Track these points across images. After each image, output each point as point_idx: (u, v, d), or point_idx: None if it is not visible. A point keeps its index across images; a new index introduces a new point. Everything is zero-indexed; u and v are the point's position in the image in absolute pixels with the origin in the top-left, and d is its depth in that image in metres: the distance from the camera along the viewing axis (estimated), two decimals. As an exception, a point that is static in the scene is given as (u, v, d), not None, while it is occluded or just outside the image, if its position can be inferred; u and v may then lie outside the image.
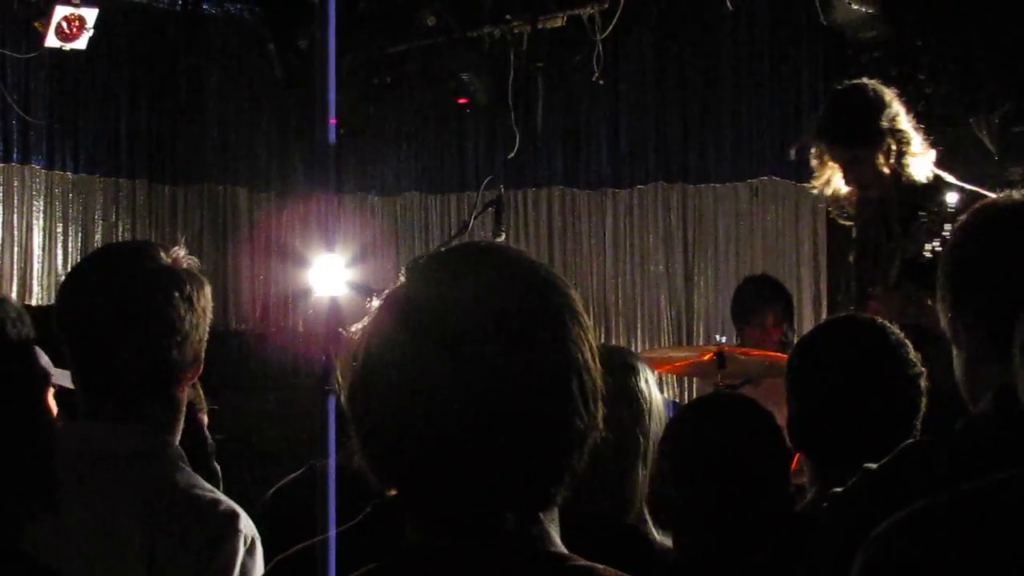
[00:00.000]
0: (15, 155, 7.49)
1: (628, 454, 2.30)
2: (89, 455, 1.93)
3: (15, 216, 7.48)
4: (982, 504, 1.19)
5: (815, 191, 3.95)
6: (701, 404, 2.60)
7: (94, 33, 6.65)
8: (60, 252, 7.65)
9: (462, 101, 7.47)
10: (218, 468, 3.61)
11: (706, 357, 4.68)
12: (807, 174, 3.99)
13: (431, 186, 8.43)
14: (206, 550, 1.87)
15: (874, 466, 1.67)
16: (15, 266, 7.43)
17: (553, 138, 7.89)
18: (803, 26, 6.80)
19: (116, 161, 7.96)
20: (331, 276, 5.67)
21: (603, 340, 7.27)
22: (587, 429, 1.25)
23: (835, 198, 3.91)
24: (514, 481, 1.23)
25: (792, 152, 4.13)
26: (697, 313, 7.52)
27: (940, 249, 3.33)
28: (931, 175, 3.71)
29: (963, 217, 1.70)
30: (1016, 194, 1.69)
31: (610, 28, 6.64)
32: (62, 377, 2.03)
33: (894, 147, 3.66)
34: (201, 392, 3.97)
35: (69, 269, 7.23)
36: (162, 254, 2.01)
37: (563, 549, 1.27)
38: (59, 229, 7.68)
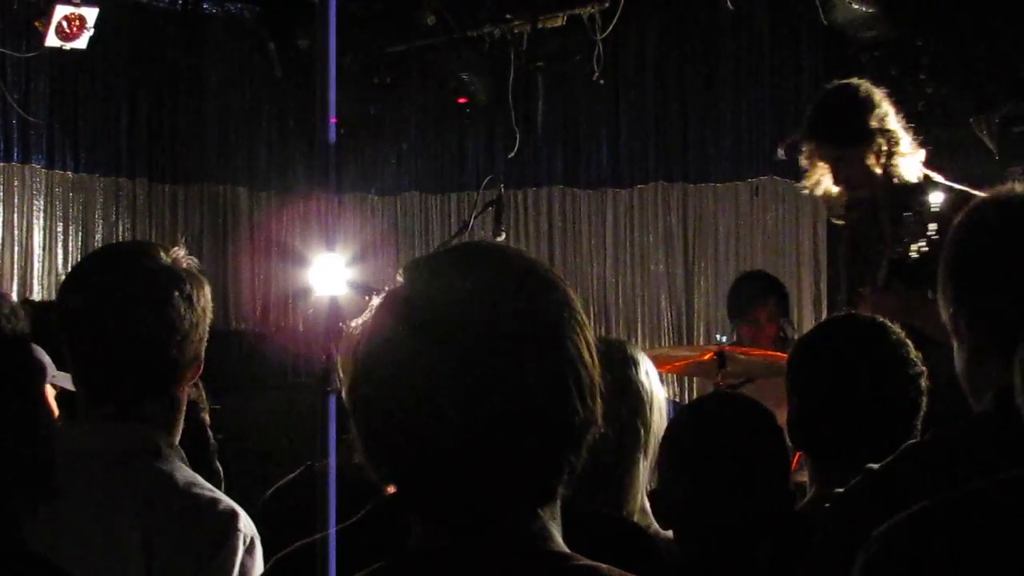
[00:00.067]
0: (15, 154, 7.49)
1: (629, 446, 2.30)
2: (89, 454, 1.93)
3: (15, 215, 7.48)
4: (983, 505, 1.19)
5: (805, 191, 3.94)
6: (701, 404, 2.61)
7: (94, 32, 6.65)
8: (60, 251, 7.64)
9: (462, 101, 7.47)
10: (220, 467, 3.61)
11: (706, 357, 4.68)
12: (800, 173, 3.99)
13: (431, 186, 8.42)
14: (205, 549, 1.87)
15: (876, 466, 1.67)
16: (15, 265, 7.42)
17: (553, 138, 7.88)
18: (803, 26, 6.80)
19: (116, 160, 7.96)
20: (331, 275, 5.66)
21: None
22: (585, 424, 1.26)
23: (827, 197, 3.91)
24: (513, 478, 1.23)
25: (781, 151, 4.12)
26: (697, 313, 7.52)
27: (926, 250, 3.34)
28: (920, 175, 3.70)
29: (964, 210, 1.68)
30: (1018, 186, 1.67)
31: (610, 28, 6.64)
32: (63, 379, 2.03)
33: (884, 147, 3.65)
34: (203, 391, 3.98)
35: (69, 268, 7.24)
36: (162, 254, 2.02)
37: (565, 548, 1.27)
38: (59, 228, 7.68)
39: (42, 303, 6.27)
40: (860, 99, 3.68)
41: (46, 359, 2.36)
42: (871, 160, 3.66)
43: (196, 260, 2.08)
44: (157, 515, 1.89)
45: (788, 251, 7.26)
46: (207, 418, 3.96)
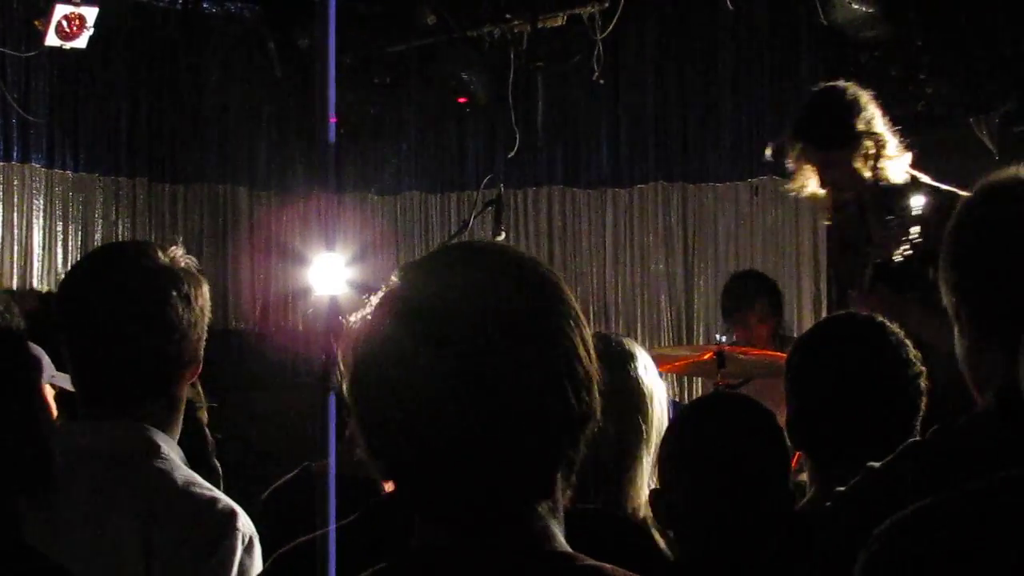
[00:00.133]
0: (15, 154, 7.49)
1: (631, 443, 2.30)
2: (88, 454, 1.93)
3: (15, 215, 7.48)
4: (985, 503, 1.19)
5: (792, 193, 3.94)
6: (701, 404, 2.60)
7: (94, 32, 6.65)
8: (60, 251, 7.65)
9: (462, 100, 7.46)
10: (218, 465, 3.62)
11: (706, 356, 4.68)
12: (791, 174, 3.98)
13: (431, 185, 8.42)
14: (204, 548, 1.87)
15: (877, 465, 1.67)
16: (15, 265, 7.42)
17: (553, 137, 7.88)
18: (803, 26, 6.80)
19: (116, 160, 7.96)
20: (331, 275, 5.68)
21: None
22: (582, 418, 1.26)
23: (814, 199, 3.91)
24: (510, 473, 1.23)
25: (768, 152, 4.13)
26: (697, 312, 7.52)
27: (910, 252, 3.35)
28: (907, 175, 3.70)
29: (965, 197, 1.66)
30: (1023, 170, 1.65)
31: (610, 27, 6.64)
32: (63, 379, 2.03)
33: (871, 150, 3.65)
34: (201, 390, 3.98)
35: (69, 268, 7.23)
36: (160, 254, 2.02)
37: (568, 548, 1.27)
38: (59, 228, 7.68)
39: (48, 293, 6.27)
40: (847, 102, 3.68)
41: (45, 359, 2.36)
42: (858, 163, 3.66)
43: (194, 259, 2.08)
44: (156, 514, 1.89)
45: (788, 251, 7.26)
46: (204, 416, 3.96)
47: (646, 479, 2.31)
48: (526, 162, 7.80)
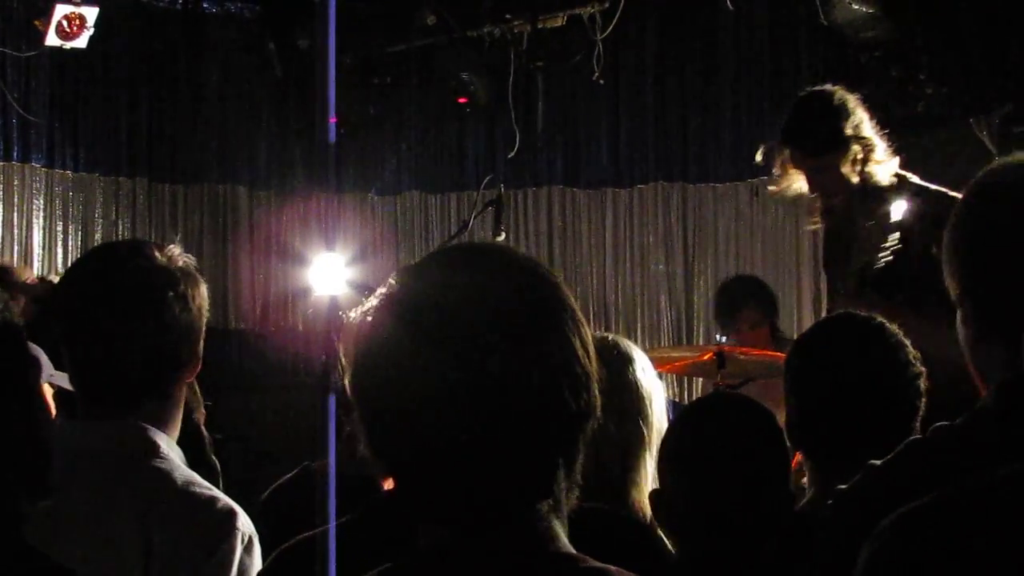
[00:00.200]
0: (15, 153, 7.49)
1: (632, 445, 2.31)
2: (87, 453, 1.93)
3: (15, 215, 7.48)
4: (988, 499, 1.19)
5: (776, 197, 3.94)
6: (701, 404, 2.60)
7: (94, 32, 6.65)
8: (60, 251, 7.65)
9: (462, 100, 7.46)
10: (216, 463, 3.61)
11: (706, 357, 4.68)
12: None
13: (431, 185, 8.42)
14: (204, 548, 1.87)
15: (878, 463, 1.66)
16: (15, 265, 7.42)
17: (553, 138, 7.88)
18: (803, 26, 6.80)
19: (116, 160, 7.96)
20: (331, 275, 5.66)
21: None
22: (581, 416, 1.26)
23: (801, 198, 3.92)
24: (509, 473, 1.24)
25: (759, 156, 4.12)
26: (697, 313, 7.52)
27: (890, 259, 3.37)
28: (894, 177, 3.70)
29: (970, 184, 1.65)
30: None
31: (610, 28, 6.64)
32: (61, 379, 2.03)
33: (859, 154, 3.65)
34: (197, 391, 3.97)
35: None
36: (157, 253, 2.01)
37: (571, 549, 1.27)
38: (59, 228, 7.68)
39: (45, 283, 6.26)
40: (835, 106, 3.68)
41: (43, 358, 2.36)
42: (846, 168, 3.65)
43: (192, 258, 2.08)
44: (156, 514, 1.89)
45: (787, 251, 7.26)
46: (201, 417, 3.95)
47: (649, 480, 2.32)
48: (526, 162, 7.81)
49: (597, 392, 1.28)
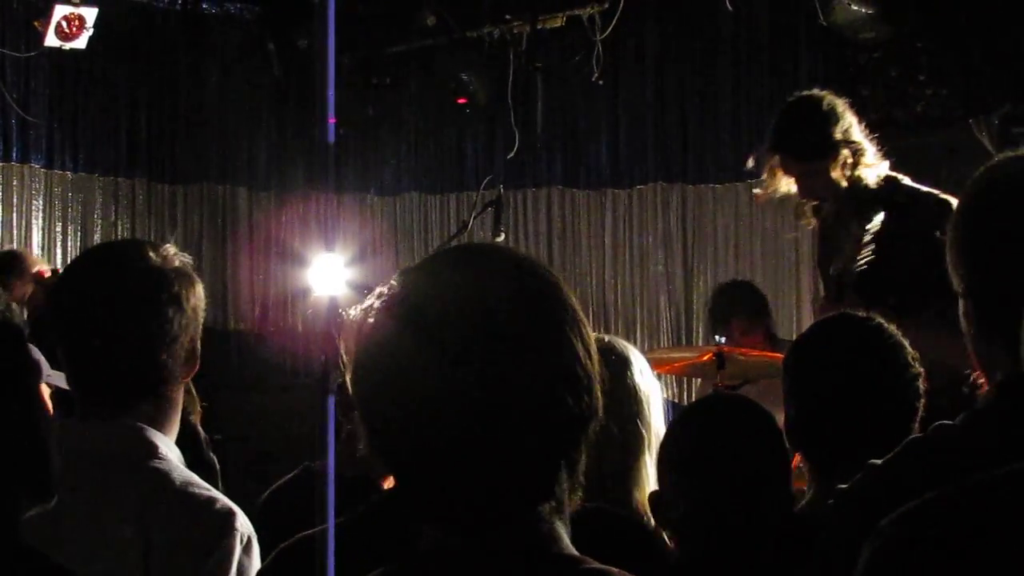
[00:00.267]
0: (14, 154, 7.49)
1: (632, 447, 2.31)
2: (85, 454, 1.93)
3: (14, 215, 7.48)
4: (988, 498, 1.19)
5: (763, 202, 3.94)
6: (701, 405, 2.60)
7: (94, 32, 6.65)
8: (59, 251, 7.65)
9: (461, 101, 7.47)
10: (215, 459, 3.60)
11: (705, 358, 4.68)
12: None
13: (430, 186, 8.43)
14: (203, 548, 1.87)
15: (879, 462, 1.67)
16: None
17: (552, 138, 7.88)
18: (803, 27, 6.80)
19: (115, 160, 7.97)
20: (330, 276, 5.67)
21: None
22: (582, 419, 1.26)
23: (788, 198, 3.92)
24: (509, 475, 1.23)
25: (750, 162, 4.12)
26: (696, 314, 7.52)
27: (865, 268, 3.39)
28: (882, 178, 3.69)
29: (974, 178, 1.64)
30: None
31: (610, 28, 6.64)
32: (58, 378, 2.03)
33: (849, 159, 3.65)
34: (194, 393, 3.97)
35: (68, 268, 7.23)
36: (151, 253, 2.01)
37: (574, 551, 1.27)
38: (58, 228, 7.68)
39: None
40: (824, 112, 3.68)
41: (41, 358, 2.36)
42: (836, 172, 3.65)
43: (189, 257, 2.07)
44: (154, 514, 1.89)
45: (787, 251, 7.25)
46: (197, 419, 3.95)
47: (649, 481, 2.32)
48: (525, 163, 7.80)
49: (599, 394, 1.28)
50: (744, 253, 7.40)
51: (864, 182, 3.66)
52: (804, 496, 2.41)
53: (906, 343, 2.34)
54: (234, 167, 8.33)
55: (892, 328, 2.35)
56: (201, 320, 2.05)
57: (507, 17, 6.98)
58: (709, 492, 2.09)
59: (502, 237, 5.09)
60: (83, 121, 7.83)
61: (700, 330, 7.47)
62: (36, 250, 7.52)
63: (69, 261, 7.55)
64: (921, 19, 6.14)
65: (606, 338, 2.41)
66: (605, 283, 7.83)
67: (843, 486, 1.72)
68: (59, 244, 7.66)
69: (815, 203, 3.85)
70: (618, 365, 2.33)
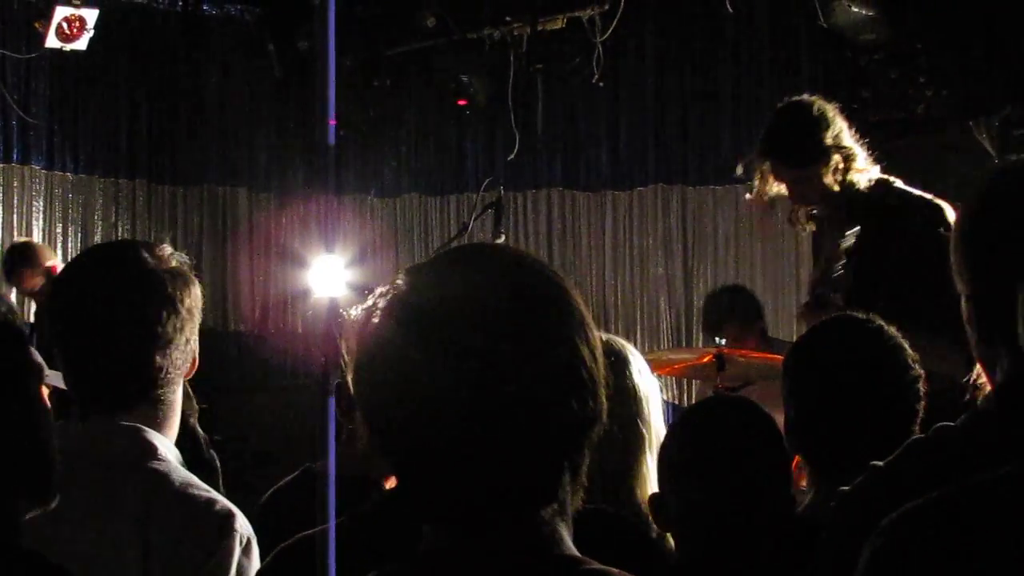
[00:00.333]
0: (15, 155, 7.50)
1: (633, 447, 2.31)
2: (86, 455, 1.93)
3: (15, 216, 7.48)
4: (988, 497, 1.20)
5: (754, 207, 3.95)
6: (701, 407, 2.60)
7: (94, 34, 6.65)
8: (60, 253, 7.64)
9: (462, 103, 7.47)
10: (215, 456, 3.60)
11: (705, 359, 4.68)
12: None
13: (430, 187, 8.43)
14: (202, 550, 1.87)
15: (880, 464, 1.67)
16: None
17: (553, 140, 7.88)
18: (803, 28, 6.80)
19: (116, 161, 7.97)
20: (330, 277, 5.66)
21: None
22: (586, 423, 1.25)
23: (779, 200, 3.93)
24: (510, 478, 1.23)
25: (740, 168, 4.12)
26: (696, 315, 7.50)
27: (840, 274, 3.42)
28: (873, 181, 3.69)
29: (978, 184, 1.64)
30: None
31: (610, 30, 6.63)
32: (55, 378, 2.03)
33: (840, 164, 3.65)
34: (192, 395, 3.97)
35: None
36: (146, 255, 2.00)
37: (575, 552, 1.26)
38: (59, 229, 7.69)
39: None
40: (814, 117, 3.67)
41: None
42: (828, 178, 3.65)
43: (186, 257, 2.07)
44: (154, 516, 1.89)
45: (788, 253, 7.26)
46: (195, 421, 3.95)
47: (649, 480, 2.32)
48: (526, 164, 7.81)
49: (604, 398, 1.27)
50: (744, 255, 7.40)
51: (856, 187, 3.65)
52: (804, 497, 2.41)
53: (906, 344, 2.34)
54: (234, 168, 8.33)
55: (892, 330, 2.35)
56: (198, 321, 2.04)
57: (507, 19, 6.98)
58: (709, 494, 2.09)
59: (502, 239, 5.08)
60: (84, 122, 7.83)
61: (700, 332, 7.47)
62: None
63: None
64: (921, 21, 6.14)
65: (604, 337, 2.41)
66: (605, 284, 7.83)
67: (845, 488, 1.72)
68: (59, 245, 7.66)
69: (810, 209, 3.85)
70: (617, 365, 2.33)
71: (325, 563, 1.23)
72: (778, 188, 3.79)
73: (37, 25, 6.75)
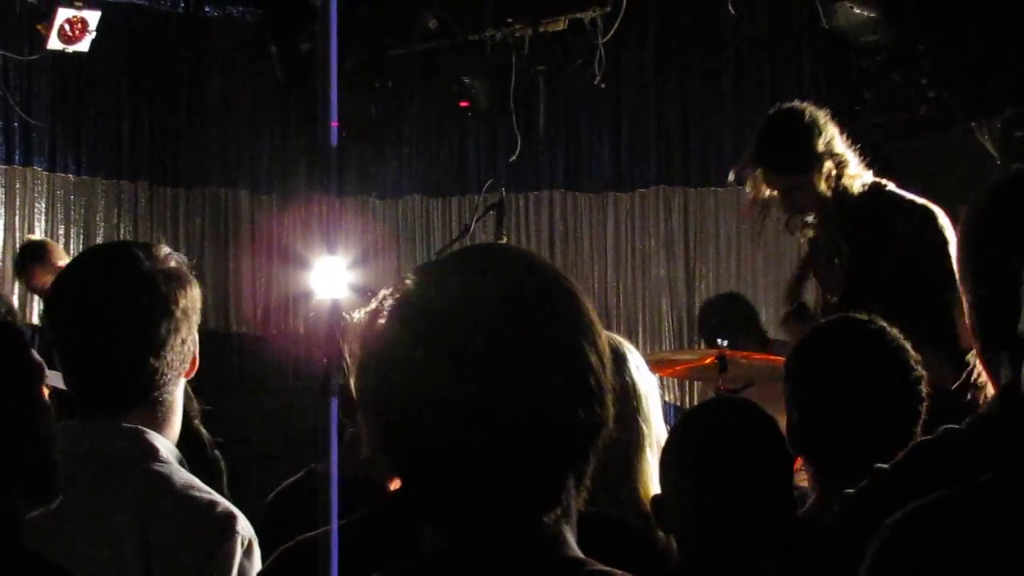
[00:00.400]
0: (17, 157, 7.50)
1: (635, 444, 2.31)
2: (87, 456, 1.93)
3: (17, 218, 7.49)
4: (991, 496, 1.20)
5: (749, 215, 3.94)
6: (703, 409, 2.60)
7: (96, 36, 6.65)
8: (61, 254, 7.65)
9: (464, 104, 7.47)
10: (219, 455, 3.60)
11: (707, 361, 4.68)
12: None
13: (432, 189, 8.43)
14: (203, 551, 1.86)
15: (885, 466, 1.67)
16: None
17: (554, 141, 7.89)
18: (805, 30, 6.80)
19: (118, 163, 7.97)
20: (332, 279, 5.67)
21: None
22: (594, 429, 1.24)
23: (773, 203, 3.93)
24: (517, 483, 1.22)
25: (732, 175, 4.12)
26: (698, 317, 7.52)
27: (850, 279, 3.49)
28: (867, 186, 3.69)
29: (981, 189, 1.64)
30: None
31: (612, 31, 6.63)
32: (54, 377, 2.03)
33: (832, 170, 3.65)
34: (194, 398, 3.97)
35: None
36: (141, 256, 1.99)
37: (579, 553, 1.26)
38: (61, 231, 7.69)
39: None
40: (806, 124, 3.66)
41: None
42: (821, 185, 3.65)
43: (184, 257, 2.06)
44: (155, 517, 1.88)
45: (789, 254, 7.24)
46: (198, 422, 3.95)
47: (650, 476, 2.32)
48: (527, 166, 7.81)
49: (611, 404, 1.26)
50: (746, 257, 7.39)
51: (849, 192, 3.65)
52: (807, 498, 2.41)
53: (908, 346, 2.33)
54: (236, 170, 8.33)
55: (895, 331, 2.35)
56: (195, 321, 2.03)
57: (509, 20, 6.98)
58: (711, 496, 2.09)
59: (504, 240, 5.08)
60: (85, 124, 7.84)
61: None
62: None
63: (71, 264, 7.56)
64: (923, 22, 6.14)
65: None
66: (607, 286, 7.83)
67: (850, 491, 1.72)
68: (62, 247, 7.65)
69: (805, 216, 3.85)
70: (615, 362, 2.32)
71: (328, 565, 1.23)
72: (771, 194, 3.79)
73: (39, 27, 6.75)
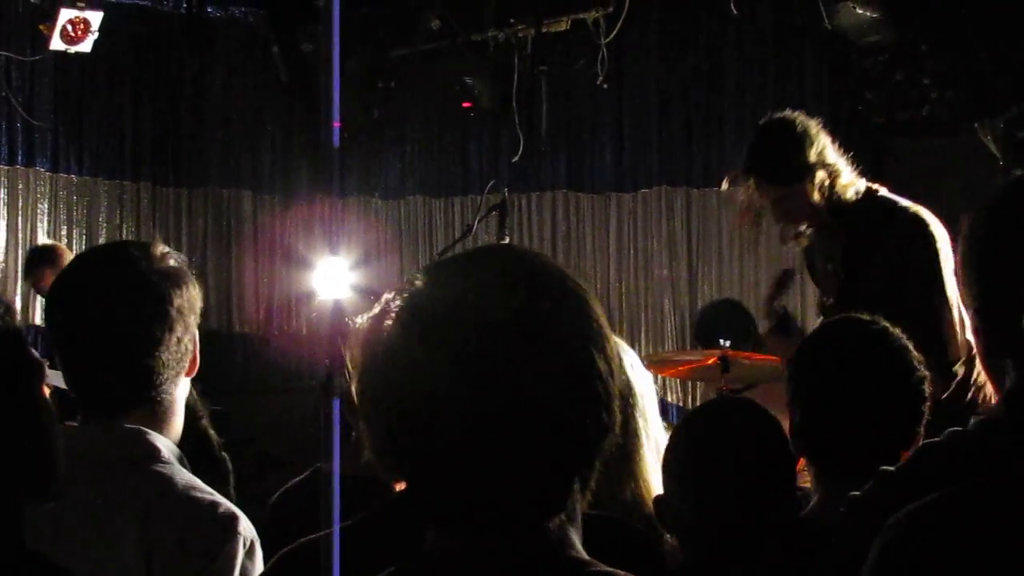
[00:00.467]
0: (20, 158, 7.50)
1: (635, 444, 2.31)
2: (88, 457, 1.93)
3: (20, 219, 7.49)
4: (994, 496, 1.20)
5: (744, 225, 3.93)
6: (705, 409, 2.60)
7: (99, 36, 6.66)
8: (64, 255, 7.65)
9: (466, 105, 7.47)
10: (226, 456, 3.59)
11: (710, 361, 4.69)
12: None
13: (435, 190, 8.43)
14: (205, 552, 1.86)
15: (891, 468, 1.66)
16: (19, 268, 7.43)
17: (557, 142, 7.89)
18: (807, 30, 6.80)
19: (120, 164, 7.98)
20: (335, 279, 5.68)
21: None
22: (600, 436, 1.24)
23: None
24: (522, 487, 1.21)
25: (724, 184, 4.11)
26: (701, 317, 7.52)
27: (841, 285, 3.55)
28: (860, 193, 3.68)
29: (987, 195, 1.64)
30: None
31: (614, 32, 6.63)
32: (55, 377, 2.03)
33: (825, 180, 3.64)
34: (198, 399, 3.95)
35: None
36: (137, 256, 1.99)
37: (584, 554, 1.25)
38: (63, 232, 7.69)
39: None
40: (797, 135, 3.65)
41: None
42: (814, 195, 3.65)
43: (183, 257, 2.06)
44: (157, 518, 1.88)
45: (791, 254, 7.24)
46: (206, 423, 3.94)
47: (650, 473, 2.31)
48: (530, 166, 7.81)
49: (618, 411, 1.25)
50: (748, 257, 7.39)
51: (843, 200, 3.65)
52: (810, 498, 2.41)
53: (911, 346, 2.33)
54: (239, 171, 8.34)
55: (897, 331, 2.34)
56: (193, 320, 2.02)
57: (512, 21, 6.98)
58: (714, 496, 2.09)
59: (506, 241, 5.08)
60: (88, 125, 7.84)
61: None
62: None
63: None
64: (926, 23, 6.14)
65: None
66: (610, 287, 7.83)
67: (855, 493, 1.71)
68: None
69: (799, 226, 3.85)
70: None
71: (330, 566, 1.23)
72: (763, 203, 3.79)
73: (42, 28, 6.75)
